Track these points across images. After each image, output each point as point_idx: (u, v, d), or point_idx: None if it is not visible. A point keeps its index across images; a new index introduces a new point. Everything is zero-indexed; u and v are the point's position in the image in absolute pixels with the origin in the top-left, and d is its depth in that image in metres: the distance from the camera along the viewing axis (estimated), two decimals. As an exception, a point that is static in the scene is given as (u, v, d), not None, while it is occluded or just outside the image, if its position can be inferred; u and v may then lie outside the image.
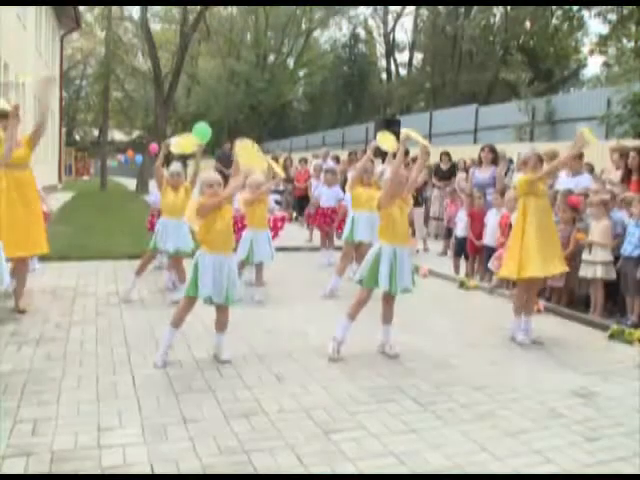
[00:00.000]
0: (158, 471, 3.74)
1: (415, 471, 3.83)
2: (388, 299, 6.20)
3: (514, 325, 6.85)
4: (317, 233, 12.63)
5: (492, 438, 4.34)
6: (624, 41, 34.35)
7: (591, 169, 10.80)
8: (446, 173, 14.64)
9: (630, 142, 11.61)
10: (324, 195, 11.81)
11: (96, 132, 66.12)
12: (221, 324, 5.84)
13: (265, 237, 8.44)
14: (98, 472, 3.71)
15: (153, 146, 30.74)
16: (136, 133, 67.60)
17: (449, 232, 12.36)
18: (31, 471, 3.70)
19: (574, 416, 4.78)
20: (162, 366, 5.57)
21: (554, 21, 40.50)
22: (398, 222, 5.98)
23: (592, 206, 7.92)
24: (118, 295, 8.40)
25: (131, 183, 35.93)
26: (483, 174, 11.03)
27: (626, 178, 8.68)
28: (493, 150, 11.16)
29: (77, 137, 70.43)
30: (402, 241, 6.04)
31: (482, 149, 11.30)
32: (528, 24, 41.35)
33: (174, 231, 7.95)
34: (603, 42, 34.64)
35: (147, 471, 3.73)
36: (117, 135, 67.67)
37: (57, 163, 32.99)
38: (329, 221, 11.58)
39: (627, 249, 7.48)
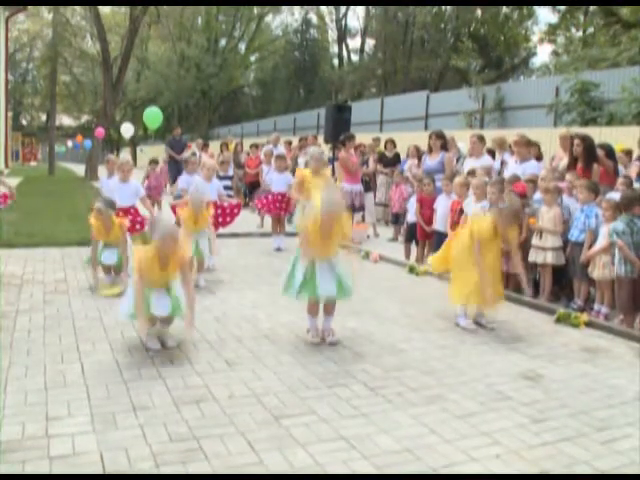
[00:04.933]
0: (107, 459, 3.70)
1: (365, 455, 3.86)
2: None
3: (458, 311, 6.92)
4: (268, 219, 12.61)
5: (441, 421, 4.40)
6: (572, 30, 34.90)
7: (539, 155, 10.95)
8: (391, 160, 14.75)
9: (577, 130, 11.80)
10: (275, 180, 11.82)
11: (44, 117, 64.92)
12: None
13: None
14: (45, 462, 3.66)
15: (99, 130, 30.36)
16: (85, 118, 66.53)
17: (396, 218, 12.49)
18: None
19: (521, 398, 4.86)
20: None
21: (504, 9, 40.87)
22: None
23: (547, 192, 8.02)
24: (67, 283, 8.30)
25: (80, 169, 35.38)
26: (432, 160, 11.17)
27: (572, 165, 8.82)
28: (440, 136, 11.30)
29: (24, 122, 69.02)
30: None
31: (430, 136, 11.44)
32: (479, 12, 41.66)
33: None
34: (552, 31, 35.16)
35: (96, 459, 3.70)
36: (65, 120, 66.53)
37: (3, 147, 32.26)
38: (280, 206, 11.58)
39: (574, 234, 7.64)
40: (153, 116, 20.40)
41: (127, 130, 31.06)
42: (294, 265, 6.08)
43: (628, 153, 10.30)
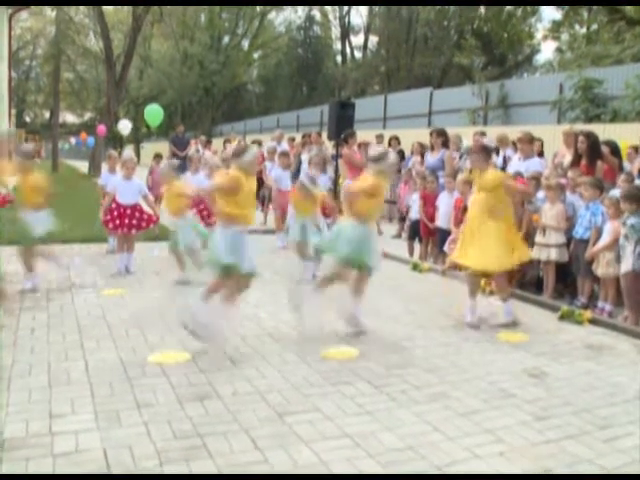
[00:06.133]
0: (111, 456, 3.71)
1: (369, 452, 3.86)
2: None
3: (466, 307, 6.91)
4: (271, 216, 12.60)
5: (444, 419, 4.40)
6: (576, 27, 34.77)
7: (541, 152, 10.94)
8: None
9: (581, 127, 11.79)
10: (279, 177, 11.83)
11: (47, 114, 64.94)
12: None
13: (188, 224, 8.46)
14: (49, 459, 3.67)
15: (101, 128, 30.42)
16: (88, 115, 66.59)
17: (406, 214, 12.47)
18: (-19, 459, 3.65)
19: (525, 396, 4.86)
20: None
21: (508, 6, 40.74)
22: None
23: (550, 189, 8.01)
24: (70, 280, 8.30)
25: (83, 165, 35.40)
26: (433, 158, 11.19)
27: (576, 162, 8.80)
28: (441, 134, 11.31)
29: (27, 119, 69.08)
30: None
31: (431, 134, 11.46)
32: (482, 9, 41.54)
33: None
34: (556, 28, 35.02)
35: (100, 457, 3.71)
36: (69, 117, 66.56)
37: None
38: (287, 203, 11.57)
39: (578, 231, 7.62)
40: (154, 113, 20.40)
41: (125, 127, 31.14)
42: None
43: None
